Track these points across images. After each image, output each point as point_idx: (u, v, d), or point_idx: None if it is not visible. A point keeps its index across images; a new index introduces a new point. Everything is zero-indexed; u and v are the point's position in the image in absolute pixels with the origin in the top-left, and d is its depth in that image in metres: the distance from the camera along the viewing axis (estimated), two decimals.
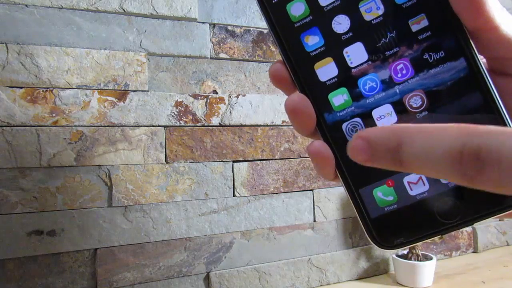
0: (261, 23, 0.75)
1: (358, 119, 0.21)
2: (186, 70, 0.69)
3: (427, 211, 0.20)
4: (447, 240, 0.93)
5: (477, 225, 0.97)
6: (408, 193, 0.21)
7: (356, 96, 0.21)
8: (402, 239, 0.21)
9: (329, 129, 0.22)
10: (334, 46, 0.21)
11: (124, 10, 0.63)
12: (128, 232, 0.63)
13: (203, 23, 0.70)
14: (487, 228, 0.98)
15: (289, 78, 0.22)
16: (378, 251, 0.82)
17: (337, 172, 0.22)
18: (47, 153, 0.58)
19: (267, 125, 0.74)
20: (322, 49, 0.22)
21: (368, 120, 0.21)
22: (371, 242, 0.21)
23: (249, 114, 0.73)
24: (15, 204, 0.56)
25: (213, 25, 0.71)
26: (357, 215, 0.22)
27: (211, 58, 0.71)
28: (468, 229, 0.96)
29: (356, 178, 0.22)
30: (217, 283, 0.68)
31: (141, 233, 0.63)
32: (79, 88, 0.60)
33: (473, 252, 0.97)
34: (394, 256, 0.78)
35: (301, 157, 0.77)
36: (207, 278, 0.68)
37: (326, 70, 0.22)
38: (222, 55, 0.71)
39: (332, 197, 0.79)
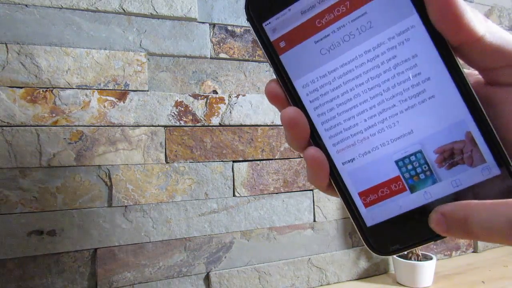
0: None
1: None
2: (186, 70, 0.69)
3: (420, 218, 0.21)
4: (447, 240, 0.93)
5: None
6: None
7: None
8: (398, 245, 0.22)
9: (323, 143, 0.23)
10: None
11: (124, 10, 0.63)
12: (128, 232, 0.63)
13: (203, 23, 0.70)
14: None
15: (283, 95, 0.23)
16: None
17: (332, 182, 0.23)
18: (47, 153, 0.58)
19: (267, 125, 0.74)
20: None
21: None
22: (368, 249, 0.23)
23: (249, 114, 0.73)
24: (15, 204, 0.56)
25: (213, 25, 0.71)
26: (354, 223, 0.23)
27: (211, 58, 0.71)
28: None
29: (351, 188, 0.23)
30: (217, 283, 0.68)
31: (141, 233, 0.64)
32: (79, 88, 0.60)
33: (473, 252, 0.97)
34: (394, 256, 0.78)
35: (301, 157, 0.77)
36: (207, 278, 0.68)
37: None
38: (222, 55, 0.71)
39: (332, 197, 0.79)
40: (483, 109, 0.20)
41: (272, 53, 0.23)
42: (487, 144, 0.20)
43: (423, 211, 0.21)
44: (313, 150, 0.22)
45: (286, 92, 0.23)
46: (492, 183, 0.20)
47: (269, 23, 0.23)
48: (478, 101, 0.20)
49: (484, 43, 0.19)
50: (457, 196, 0.20)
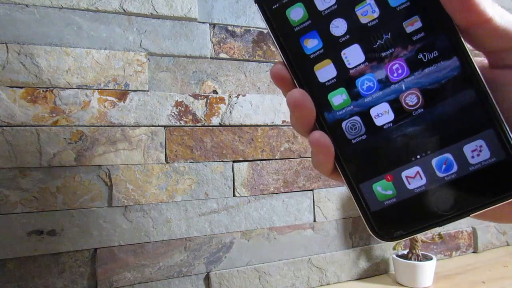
0: (262, 23, 0.75)
1: (357, 118, 0.22)
2: (186, 70, 0.69)
3: (425, 203, 0.21)
4: (447, 240, 0.93)
5: (477, 225, 0.97)
6: (406, 187, 0.22)
7: (354, 95, 0.22)
8: (402, 231, 0.22)
9: (329, 127, 0.23)
10: (332, 49, 0.22)
11: (124, 10, 0.63)
12: (128, 232, 0.63)
13: (203, 23, 0.70)
14: (487, 228, 0.98)
15: (289, 78, 0.23)
16: (378, 251, 0.82)
17: (338, 168, 0.23)
18: (47, 153, 0.58)
19: (267, 125, 0.74)
20: (321, 51, 0.22)
21: (366, 118, 0.22)
22: (372, 235, 0.22)
23: (249, 114, 0.73)
24: (15, 204, 0.56)
25: (213, 25, 0.71)
26: (358, 208, 0.23)
27: (211, 58, 0.71)
28: (468, 229, 0.96)
29: (356, 173, 0.23)
30: (217, 283, 0.68)
31: (141, 233, 0.63)
32: (79, 88, 0.60)
33: (473, 252, 0.97)
34: (394, 256, 0.78)
35: (301, 157, 0.77)
36: (207, 278, 0.68)
37: (325, 72, 0.22)
38: (222, 55, 0.71)
39: (332, 197, 0.79)
40: (490, 92, 0.20)
41: (280, 36, 0.23)
42: (493, 127, 0.20)
43: (428, 196, 0.21)
44: (318, 134, 0.22)
45: (292, 74, 0.23)
46: (498, 166, 0.20)
47: (278, 5, 0.23)
48: (486, 84, 0.20)
49: (493, 25, 0.19)
50: (465, 179, 0.20)
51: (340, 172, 0.23)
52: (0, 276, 0.55)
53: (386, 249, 0.83)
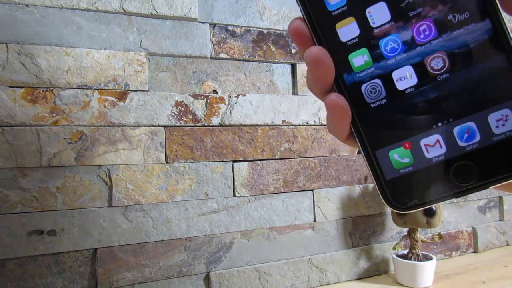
0: (261, 23, 0.75)
1: (377, 81, 0.21)
2: (186, 70, 0.69)
3: (443, 173, 0.20)
4: (447, 240, 0.93)
5: (477, 225, 0.97)
6: (425, 156, 0.21)
7: (376, 57, 0.21)
8: (416, 201, 0.21)
9: (347, 90, 0.22)
10: (356, 6, 0.21)
11: (124, 10, 0.63)
12: (128, 232, 0.63)
13: (203, 23, 0.70)
14: (487, 228, 0.98)
15: (309, 35, 0.22)
16: (378, 251, 0.82)
17: (354, 133, 0.22)
18: (47, 153, 0.58)
19: (267, 125, 0.74)
20: (344, 8, 0.21)
21: (388, 81, 0.21)
22: (386, 204, 0.21)
23: (249, 114, 0.73)
24: (15, 204, 0.56)
25: (213, 25, 0.71)
26: (372, 176, 0.22)
27: (211, 58, 0.71)
28: (468, 229, 0.96)
29: (373, 139, 0.22)
30: (217, 283, 0.68)
31: (141, 233, 0.63)
32: (79, 88, 0.60)
33: (473, 252, 0.97)
34: (394, 256, 0.78)
35: (301, 157, 0.77)
36: (207, 278, 0.68)
37: (348, 30, 0.21)
38: (222, 55, 0.71)
39: (332, 197, 0.79)
40: None
41: None
42: None
43: (445, 166, 0.20)
44: (334, 96, 0.21)
45: (312, 31, 0.22)
46: None
47: None
48: None
49: None
50: (487, 150, 0.19)
51: (356, 137, 0.22)
52: (0, 276, 0.55)
53: (386, 249, 0.83)
